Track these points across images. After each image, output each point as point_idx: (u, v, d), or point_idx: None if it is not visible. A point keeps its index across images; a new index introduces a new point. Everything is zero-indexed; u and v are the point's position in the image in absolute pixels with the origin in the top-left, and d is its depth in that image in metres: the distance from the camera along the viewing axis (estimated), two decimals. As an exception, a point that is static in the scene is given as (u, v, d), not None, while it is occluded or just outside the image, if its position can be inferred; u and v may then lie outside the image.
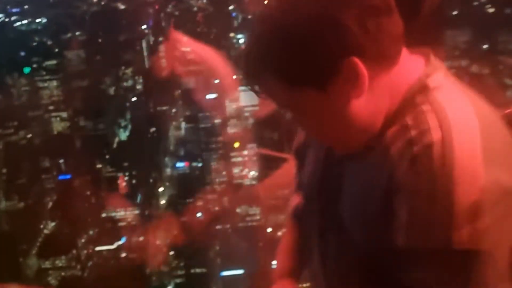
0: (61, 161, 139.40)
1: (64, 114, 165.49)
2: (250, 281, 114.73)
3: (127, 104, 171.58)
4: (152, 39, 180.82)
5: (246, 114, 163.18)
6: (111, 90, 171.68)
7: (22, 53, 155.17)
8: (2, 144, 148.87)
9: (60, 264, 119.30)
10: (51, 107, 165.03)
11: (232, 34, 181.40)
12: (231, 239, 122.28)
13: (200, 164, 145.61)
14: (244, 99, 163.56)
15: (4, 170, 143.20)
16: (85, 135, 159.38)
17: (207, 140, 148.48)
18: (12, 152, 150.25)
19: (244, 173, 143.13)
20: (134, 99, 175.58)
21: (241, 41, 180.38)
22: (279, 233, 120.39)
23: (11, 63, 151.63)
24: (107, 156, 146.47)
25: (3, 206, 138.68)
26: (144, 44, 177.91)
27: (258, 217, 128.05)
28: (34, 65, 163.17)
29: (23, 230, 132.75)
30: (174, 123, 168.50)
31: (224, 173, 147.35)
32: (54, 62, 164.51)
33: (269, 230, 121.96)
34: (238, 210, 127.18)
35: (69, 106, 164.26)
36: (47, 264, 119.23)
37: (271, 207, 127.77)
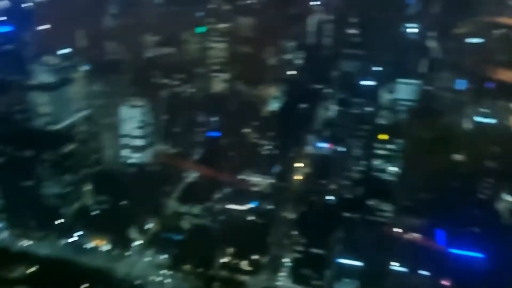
0: (214, 119, 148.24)
1: (225, 76, 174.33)
2: (364, 275, 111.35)
3: (284, 76, 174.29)
4: (322, 16, 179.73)
5: (401, 107, 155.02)
6: (272, 60, 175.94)
7: (199, 14, 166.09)
8: (168, 93, 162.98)
9: (194, 212, 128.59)
10: (215, 67, 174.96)
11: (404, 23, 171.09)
12: (357, 230, 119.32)
13: (343, 149, 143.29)
14: (402, 92, 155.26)
15: (165, 117, 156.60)
16: (240, 99, 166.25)
17: (355, 127, 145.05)
18: (175, 102, 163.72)
19: (384, 167, 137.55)
20: (291, 72, 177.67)
21: (413, 31, 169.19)
22: (407, 237, 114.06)
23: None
24: (256, 123, 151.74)
25: (158, 149, 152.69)
26: (312, 20, 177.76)
27: (388, 214, 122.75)
28: (209, 26, 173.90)
29: (169, 174, 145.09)
30: (325, 103, 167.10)
31: (365, 162, 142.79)
32: (227, 25, 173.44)
33: (397, 230, 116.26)
34: (369, 202, 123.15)
35: (230, 69, 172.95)
36: (183, 209, 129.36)
37: (406, 207, 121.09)
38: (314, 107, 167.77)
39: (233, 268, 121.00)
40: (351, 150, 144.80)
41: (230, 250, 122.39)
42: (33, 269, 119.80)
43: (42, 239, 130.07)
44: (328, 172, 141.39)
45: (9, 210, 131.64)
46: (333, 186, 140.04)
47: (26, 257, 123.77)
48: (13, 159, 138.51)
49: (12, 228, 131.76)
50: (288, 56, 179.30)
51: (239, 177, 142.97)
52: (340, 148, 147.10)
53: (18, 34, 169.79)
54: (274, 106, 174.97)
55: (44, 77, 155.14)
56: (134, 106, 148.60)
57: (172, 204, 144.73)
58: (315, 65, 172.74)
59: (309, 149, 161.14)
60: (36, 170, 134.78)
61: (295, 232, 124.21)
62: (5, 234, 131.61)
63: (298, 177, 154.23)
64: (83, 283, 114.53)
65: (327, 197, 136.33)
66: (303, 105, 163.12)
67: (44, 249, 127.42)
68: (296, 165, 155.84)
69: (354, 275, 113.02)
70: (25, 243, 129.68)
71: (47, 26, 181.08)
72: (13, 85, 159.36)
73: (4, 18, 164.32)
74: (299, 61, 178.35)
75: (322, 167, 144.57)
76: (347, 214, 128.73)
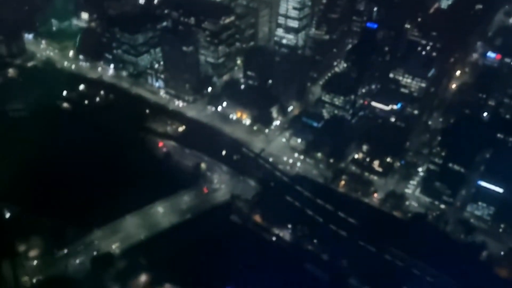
0: (375, 9, 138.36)
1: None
2: (505, 205, 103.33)
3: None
4: None
5: None
6: None
7: None
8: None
9: (336, 102, 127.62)
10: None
11: None
12: (510, 154, 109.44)
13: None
14: None
15: (324, 1, 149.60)
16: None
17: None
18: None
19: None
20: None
21: None
22: None
23: None
24: (419, 19, 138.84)
25: (311, 33, 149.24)
26: None
27: None
28: None
29: (319, 60, 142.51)
30: (507, 7, 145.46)
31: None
32: None
33: None
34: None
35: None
36: (326, 98, 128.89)
37: None
38: (492, 10, 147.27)
39: (364, 166, 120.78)
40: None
41: (365, 147, 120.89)
42: (182, 128, 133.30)
43: (193, 102, 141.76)
44: (490, 86, 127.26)
45: (168, 72, 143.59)
46: (491, 102, 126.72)
47: (178, 117, 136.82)
48: (176, 25, 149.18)
49: (169, 88, 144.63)
50: None
51: (390, 75, 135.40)
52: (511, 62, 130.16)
53: None
54: (444, 3, 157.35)
55: None
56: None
57: (316, 91, 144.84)
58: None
59: (474, 56, 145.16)
60: (196, 38, 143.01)
61: (438, 143, 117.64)
62: (162, 93, 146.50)
63: (454, 85, 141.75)
64: (222, 149, 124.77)
65: (482, 113, 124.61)
66: (478, 6, 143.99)
67: (193, 113, 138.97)
68: (456, 73, 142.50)
69: (492, 201, 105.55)
70: (179, 104, 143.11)
71: None
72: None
73: None
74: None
75: (485, 79, 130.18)
76: (501, 136, 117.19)
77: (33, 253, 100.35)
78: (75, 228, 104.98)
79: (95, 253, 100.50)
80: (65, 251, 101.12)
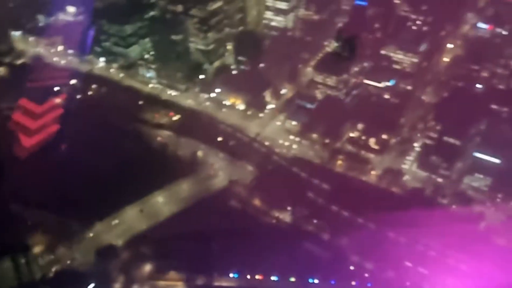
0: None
1: None
2: (501, 175, 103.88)
3: None
4: None
5: None
6: None
7: None
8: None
9: (329, 83, 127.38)
10: None
11: None
12: (504, 126, 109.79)
13: (505, 33, 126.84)
14: None
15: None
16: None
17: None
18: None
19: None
20: None
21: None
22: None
23: None
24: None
25: (300, 14, 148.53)
26: None
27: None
28: None
29: (310, 41, 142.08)
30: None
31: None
32: None
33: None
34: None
35: None
36: (318, 78, 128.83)
37: None
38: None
39: (360, 144, 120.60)
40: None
41: (360, 126, 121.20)
42: (176, 117, 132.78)
43: (186, 91, 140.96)
44: (483, 57, 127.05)
45: (158, 61, 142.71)
46: (485, 74, 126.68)
47: (171, 106, 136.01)
48: (164, 13, 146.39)
49: (161, 78, 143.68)
50: None
51: (382, 52, 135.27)
52: (502, 32, 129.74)
53: None
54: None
55: None
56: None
57: (308, 72, 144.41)
58: None
59: (465, 28, 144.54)
60: (184, 25, 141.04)
61: (432, 117, 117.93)
62: (155, 83, 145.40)
63: (446, 58, 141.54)
64: (217, 136, 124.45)
65: (476, 85, 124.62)
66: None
67: (187, 101, 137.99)
68: (447, 45, 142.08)
69: (489, 172, 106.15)
70: (172, 93, 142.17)
71: None
72: None
73: None
74: None
75: (477, 50, 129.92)
76: (495, 107, 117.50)
77: (37, 249, 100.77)
78: (77, 222, 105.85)
79: (98, 246, 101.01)
80: (69, 245, 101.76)
